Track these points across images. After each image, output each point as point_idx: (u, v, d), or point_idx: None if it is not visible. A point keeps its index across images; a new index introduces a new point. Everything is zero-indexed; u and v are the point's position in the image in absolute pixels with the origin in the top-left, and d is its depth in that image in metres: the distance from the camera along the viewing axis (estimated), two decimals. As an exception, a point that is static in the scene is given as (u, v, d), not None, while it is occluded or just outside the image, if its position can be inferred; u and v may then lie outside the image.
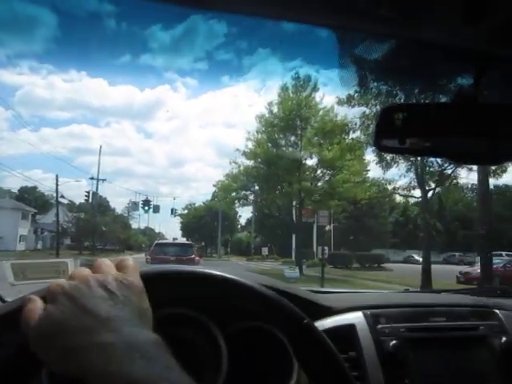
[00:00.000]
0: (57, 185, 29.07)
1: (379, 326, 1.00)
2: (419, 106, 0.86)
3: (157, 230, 59.32)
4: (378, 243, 33.66)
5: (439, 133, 0.80)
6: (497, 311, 1.13)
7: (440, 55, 0.94)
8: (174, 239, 27.41)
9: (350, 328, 0.99)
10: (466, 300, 1.31)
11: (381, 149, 0.84)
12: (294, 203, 23.95)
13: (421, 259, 32.59)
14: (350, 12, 0.66)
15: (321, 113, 21.59)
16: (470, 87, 0.78)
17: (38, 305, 0.50)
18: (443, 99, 0.86)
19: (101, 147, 46.87)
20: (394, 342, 0.96)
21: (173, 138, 64.34)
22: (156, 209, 33.03)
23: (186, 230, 45.60)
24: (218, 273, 0.70)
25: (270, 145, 22.34)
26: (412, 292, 1.64)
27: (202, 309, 0.92)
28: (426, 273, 14.66)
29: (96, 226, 33.70)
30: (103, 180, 34.78)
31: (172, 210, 36.54)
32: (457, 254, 34.72)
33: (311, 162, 22.62)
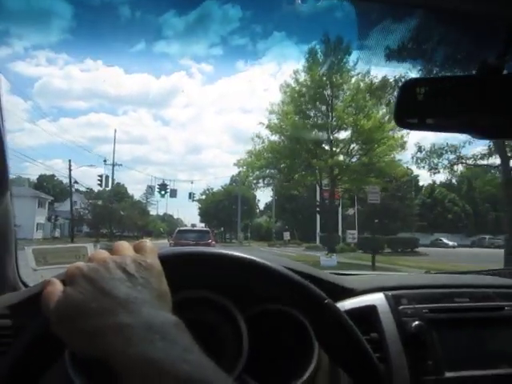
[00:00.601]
0: (70, 170, 29.46)
1: (401, 307, 1.01)
2: (441, 80, 0.86)
3: (175, 216, 60.16)
4: (404, 226, 33.29)
5: (462, 107, 0.80)
6: None
7: (465, 25, 0.93)
8: (193, 225, 29.14)
9: (372, 309, 1.00)
10: (490, 281, 1.31)
11: (402, 125, 0.85)
12: (319, 183, 22.30)
13: (450, 243, 32.33)
14: None
15: (354, 80, 20.00)
16: (495, 59, 0.77)
17: (57, 287, 0.52)
18: (467, 72, 0.86)
19: (115, 131, 47.59)
20: (416, 322, 0.96)
21: (189, 124, 65.18)
22: (173, 193, 32.78)
23: (204, 215, 45.82)
24: (240, 254, 0.72)
25: (297, 117, 20.56)
26: (434, 273, 1.63)
27: (222, 291, 0.94)
28: None
29: (112, 212, 34.09)
30: (119, 165, 35.04)
31: (190, 194, 36.54)
32: (487, 236, 34.07)
33: (344, 134, 20.71)
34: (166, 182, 32.53)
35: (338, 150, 20.79)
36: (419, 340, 0.95)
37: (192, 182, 39.41)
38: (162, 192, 32.06)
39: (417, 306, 1.02)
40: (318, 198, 25.35)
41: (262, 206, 49.83)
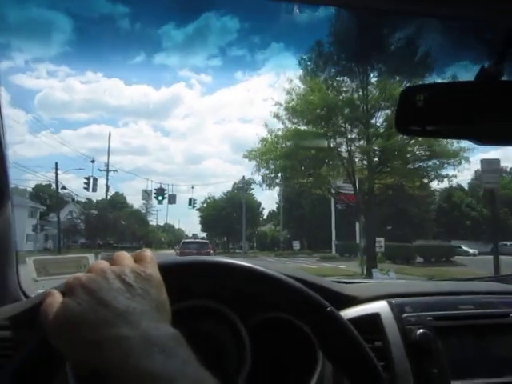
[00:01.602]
0: (56, 174, 28.93)
1: (405, 315, 1.04)
2: (440, 86, 0.90)
3: (176, 227, 60.39)
4: (420, 233, 32.90)
5: (462, 113, 0.84)
6: None
7: (463, 31, 0.98)
8: (194, 235, 32.24)
9: (375, 317, 1.04)
10: (494, 287, 1.35)
11: (404, 132, 0.90)
12: (352, 178, 18.37)
13: (471, 250, 31.85)
14: None
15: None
16: (493, 65, 0.82)
17: (56, 298, 0.54)
18: (465, 78, 0.90)
19: (110, 134, 47.84)
20: (420, 330, 1.00)
21: (189, 135, 66.70)
22: (172, 199, 31.17)
23: (205, 224, 45.46)
24: (239, 262, 0.76)
25: (328, 91, 17.34)
26: (437, 280, 1.67)
27: (223, 300, 0.98)
28: None
29: (108, 222, 33.57)
30: (114, 170, 34.51)
31: (190, 200, 34.71)
32: (508, 243, 33.60)
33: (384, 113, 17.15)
34: (163, 186, 31.75)
35: (380, 131, 17.42)
36: (424, 348, 0.99)
37: (192, 187, 38.95)
38: (160, 197, 30.56)
39: (421, 313, 1.06)
40: (333, 201, 24.01)
41: (265, 214, 49.59)
